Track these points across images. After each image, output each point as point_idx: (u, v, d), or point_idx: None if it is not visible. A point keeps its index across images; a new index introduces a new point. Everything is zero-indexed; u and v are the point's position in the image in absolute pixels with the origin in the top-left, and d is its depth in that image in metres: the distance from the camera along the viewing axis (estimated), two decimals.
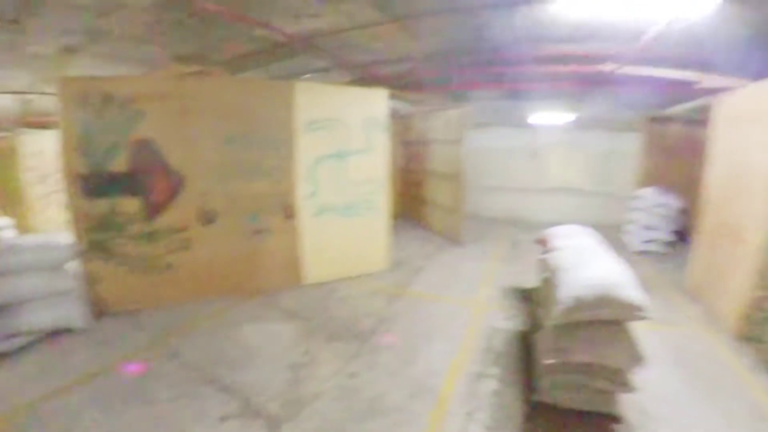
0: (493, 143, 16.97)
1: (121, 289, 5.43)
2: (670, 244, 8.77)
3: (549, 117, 12.61)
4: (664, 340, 4.70)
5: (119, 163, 5.19)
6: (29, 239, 4.99)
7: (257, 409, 3.49)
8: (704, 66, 6.00)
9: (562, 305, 3.20)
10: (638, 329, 3.53)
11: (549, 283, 3.97)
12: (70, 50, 6.60)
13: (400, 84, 8.62)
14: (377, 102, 6.44)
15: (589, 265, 3.49)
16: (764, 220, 4.51)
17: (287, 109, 5.79)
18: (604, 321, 3.20)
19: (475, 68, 7.87)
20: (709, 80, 5.99)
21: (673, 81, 6.61)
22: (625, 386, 3.20)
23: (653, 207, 8.87)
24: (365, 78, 8.64)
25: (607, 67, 6.58)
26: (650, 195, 9.06)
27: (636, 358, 3.11)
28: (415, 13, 5.42)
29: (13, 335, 4.54)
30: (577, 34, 5.81)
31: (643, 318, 3.13)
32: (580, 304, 3.12)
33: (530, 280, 5.90)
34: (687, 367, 4.17)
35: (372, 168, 6.45)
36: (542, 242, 5.03)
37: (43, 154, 9.26)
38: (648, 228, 8.93)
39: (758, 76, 5.16)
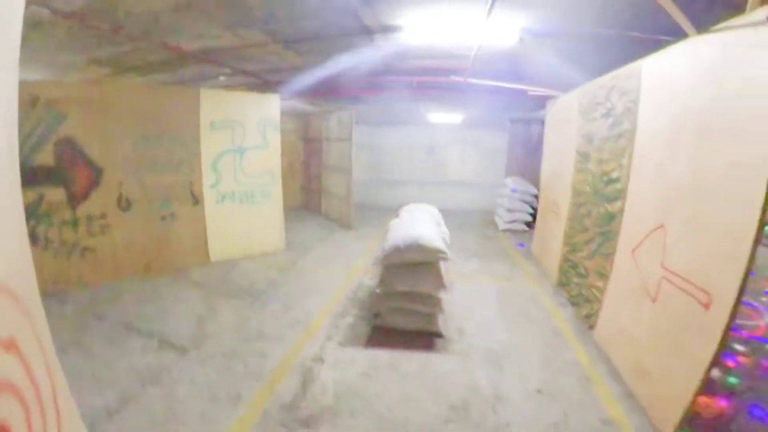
0: (394, 140, 18.63)
1: (44, 272, 5.98)
2: (528, 224, 10.80)
3: (442, 117, 14.34)
4: (499, 290, 6.49)
5: (45, 158, 5.95)
6: None
7: (171, 344, 4.67)
8: (528, 79, 7.80)
9: (385, 251, 4.73)
10: (481, 283, 5.40)
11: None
12: None
13: (292, 91, 9.83)
14: (271, 105, 7.78)
15: (409, 227, 5.05)
16: (567, 199, 6.34)
17: (193, 112, 6.94)
18: (418, 263, 4.74)
19: (354, 79, 9.24)
20: (535, 90, 7.84)
21: (509, 90, 8.40)
22: (438, 308, 4.76)
23: (514, 193, 10.87)
24: (263, 83, 9.76)
25: (456, 78, 8.23)
26: (510, 183, 11.08)
27: (441, 287, 4.69)
28: (297, 39, 6.68)
29: None
30: (427, 54, 7.35)
31: (444, 258, 4.71)
32: (396, 250, 4.66)
33: None
34: (509, 306, 5.89)
35: (266, 162, 7.73)
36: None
37: None
38: (510, 210, 10.94)
39: (566, 88, 7.02)
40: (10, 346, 1.44)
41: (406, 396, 3.83)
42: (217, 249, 7.40)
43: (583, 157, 5.84)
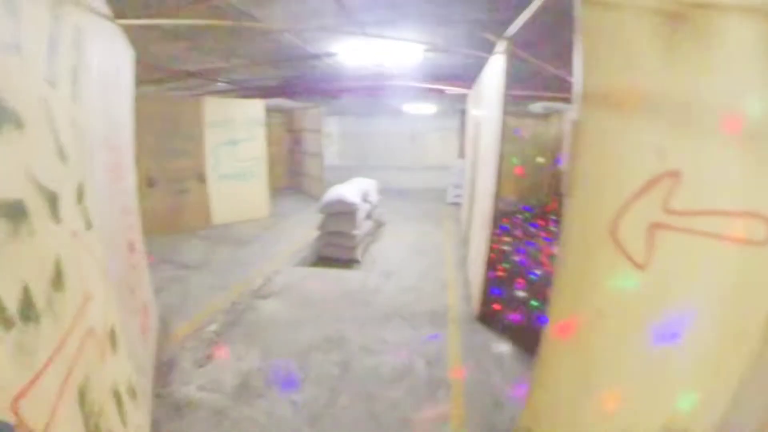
0: (377, 130, 21.28)
1: None
2: None
3: (417, 108, 16.46)
4: (418, 239, 9.08)
5: None
6: None
7: (184, 265, 7.34)
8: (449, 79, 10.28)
9: (319, 203, 7.39)
10: (408, 238, 8.32)
11: None
12: None
13: (275, 93, 12.42)
14: (256, 108, 10.38)
15: (339, 189, 7.67)
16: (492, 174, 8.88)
17: (198, 114, 9.52)
18: (343, 212, 7.35)
19: (312, 87, 11.81)
20: (450, 89, 10.38)
21: (434, 88, 10.92)
22: (356, 242, 7.38)
23: (460, 172, 13.34)
24: (250, 89, 12.36)
25: (394, 82, 10.76)
26: (458, 164, 13.55)
27: (355, 227, 7.30)
28: (270, 60, 9.22)
29: None
30: (365, 66, 9.87)
31: (356, 210, 7.32)
32: (326, 203, 7.29)
33: None
34: (420, 249, 8.46)
35: (254, 151, 10.36)
36: None
37: None
38: (456, 186, 13.40)
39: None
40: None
41: (323, 288, 6.46)
42: (218, 215, 10.01)
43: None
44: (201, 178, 9.73)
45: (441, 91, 11.54)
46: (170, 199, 9.45)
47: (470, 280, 6.41)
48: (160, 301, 5.52)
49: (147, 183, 9.12)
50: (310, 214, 11.10)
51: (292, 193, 14.59)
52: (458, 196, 13.28)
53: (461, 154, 15.10)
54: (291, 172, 15.63)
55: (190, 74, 9.45)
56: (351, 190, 7.70)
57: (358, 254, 7.53)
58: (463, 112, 14.80)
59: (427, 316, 5.54)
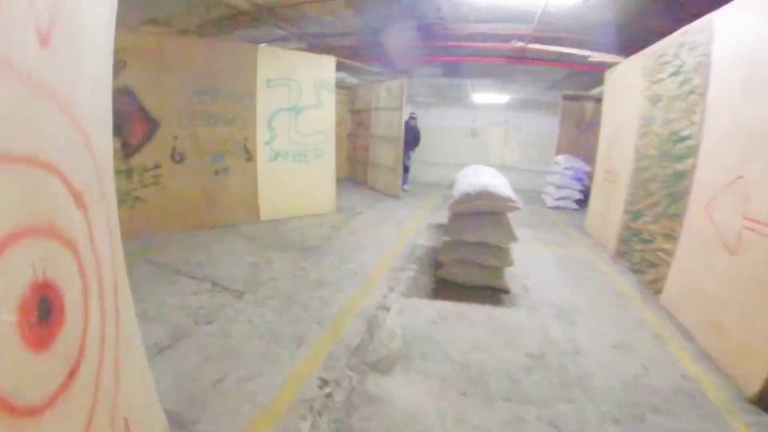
0: (434, 122, 18.30)
1: None
2: (578, 201, 10.31)
3: (486, 97, 13.88)
4: (555, 254, 6.15)
5: None
6: None
7: (224, 287, 4.52)
8: (588, 46, 7.33)
9: (454, 198, 4.44)
10: (536, 249, 5.25)
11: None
12: None
13: (347, 54, 9.58)
14: (326, 67, 7.59)
15: (479, 177, 4.75)
16: (628, 166, 5.95)
17: (250, 68, 6.77)
18: (487, 213, 4.43)
19: (411, 43, 8.92)
20: (596, 56, 7.35)
21: (569, 57, 7.93)
22: (507, 260, 4.45)
23: (564, 170, 10.37)
24: (318, 47, 9.55)
25: (517, 44, 7.81)
26: (562, 160, 10.59)
27: (512, 237, 4.38)
28: None
29: None
30: (489, 16, 6.97)
31: (515, 208, 4.40)
32: (467, 197, 4.36)
33: None
34: (568, 269, 5.55)
35: (321, 122, 7.53)
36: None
37: None
38: (559, 187, 10.46)
39: (627, 53, 6.58)
40: (80, 205, 1.33)
41: (478, 343, 3.57)
42: (268, 207, 7.23)
43: (648, 120, 5.58)
44: (248, 155, 6.93)
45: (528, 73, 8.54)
46: (203, 181, 6.71)
47: (700, 324, 3.76)
48: (170, 378, 2.87)
49: (172, 157, 6.41)
50: (386, 212, 8.25)
51: (352, 186, 11.69)
52: (563, 198, 10.38)
53: (560, 149, 12.13)
54: (350, 160, 12.83)
55: (242, 14, 6.73)
56: (496, 178, 4.79)
57: (504, 280, 4.60)
58: (572, 99, 11.83)
59: (678, 399, 2.98)
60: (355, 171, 12.57)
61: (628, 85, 6.35)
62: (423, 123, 15.94)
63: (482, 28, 7.58)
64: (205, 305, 4.09)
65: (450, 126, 17.72)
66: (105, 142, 1.69)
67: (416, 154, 14.27)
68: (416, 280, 4.80)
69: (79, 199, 1.30)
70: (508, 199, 4.36)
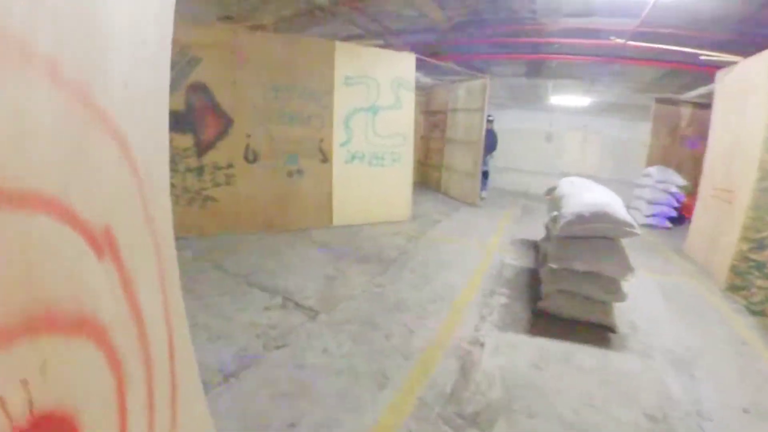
0: (507, 125, 17.30)
1: None
2: (672, 219, 9.20)
3: (565, 99, 12.90)
4: (659, 283, 5.29)
5: (176, 103, 5.72)
6: None
7: (297, 303, 4.11)
8: (696, 43, 6.39)
9: (565, 219, 3.78)
10: (639, 277, 4.32)
11: (555, 217, 4.54)
12: None
13: (426, 52, 9.04)
14: (406, 64, 7.09)
15: (588, 192, 4.06)
16: (750, 184, 5.02)
17: (327, 65, 6.43)
18: (600, 237, 3.75)
19: (496, 39, 8.24)
20: (709, 55, 6.39)
21: (675, 56, 6.99)
22: (619, 295, 3.75)
23: (657, 183, 9.27)
24: (395, 45, 9.08)
25: (615, 41, 6.96)
26: (655, 172, 9.46)
27: (628, 269, 3.67)
28: None
29: None
30: (587, 10, 6.21)
31: (633, 234, 3.69)
32: (580, 219, 3.70)
33: (539, 235, 6.45)
34: (676, 302, 4.73)
35: (399, 123, 7.05)
36: (550, 190, 5.59)
37: None
38: (652, 203, 9.35)
39: (748, 52, 5.63)
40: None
41: (590, 396, 2.93)
42: (341, 211, 6.84)
43: None
44: (324, 156, 6.58)
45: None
46: (276, 182, 6.43)
47: None
48: (234, 418, 2.50)
49: (246, 156, 6.14)
50: (464, 222, 7.63)
51: (424, 191, 11.08)
52: (655, 216, 9.23)
53: (651, 160, 10.94)
54: (422, 164, 12.28)
55: (317, 7, 6.36)
56: (610, 196, 4.09)
57: (614, 317, 3.89)
58: (667, 103, 10.65)
59: None
60: (427, 176, 11.99)
61: (751, 89, 5.39)
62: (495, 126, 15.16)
63: (576, 23, 6.82)
64: (276, 324, 3.69)
65: (524, 129, 16.69)
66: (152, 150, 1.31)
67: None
68: (510, 309, 4.17)
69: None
70: (628, 224, 3.66)
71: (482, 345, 3.47)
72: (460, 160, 9.88)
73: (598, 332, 3.81)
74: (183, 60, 5.69)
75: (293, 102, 6.33)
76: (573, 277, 3.82)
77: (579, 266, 3.72)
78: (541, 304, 4.03)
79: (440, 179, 11.05)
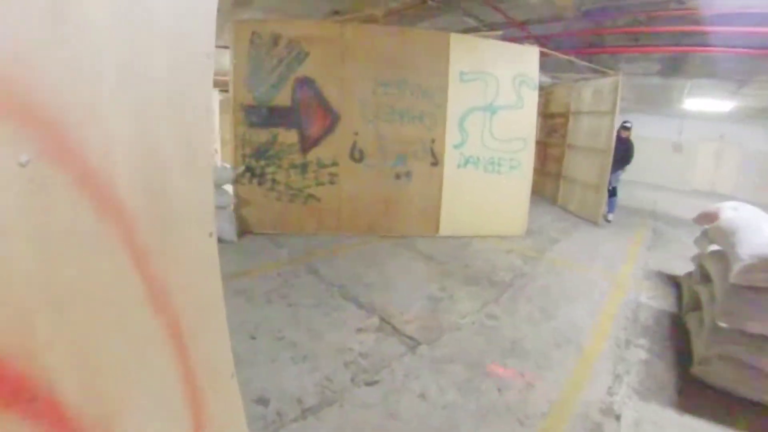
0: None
1: (265, 213, 5.97)
2: None
3: (702, 104, 11.22)
4: None
5: (282, 98, 5.67)
6: None
7: (395, 327, 3.62)
8: None
9: (744, 262, 2.89)
10: None
11: (718, 254, 3.62)
12: (241, 4, 7.16)
13: (548, 46, 8.10)
14: (529, 59, 6.25)
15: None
16: None
17: (441, 59, 5.84)
18: None
19: (630, 29, 7.11)
20: None
21: None
22: None
23: None
24: (514, 39, 8.27)
25: None
26: None
27: None
28: None
29: None
30: None
31: None
32: (765, 264, 2.79)
33: (678, 268, 5.43)
34: None
35: (520, 125, 6.27)
36: (706, 217, 4.57)
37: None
38: None
39: None
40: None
41: None
42: (449, 221, 6.23)
43: None
44: (435, 159, 6.03)
45: None
46: (382, 184, 6.02)
47: None
48: None
49: (352, 155, 5.82)
50: (588, 244, 6.68)
51: (538, 202, 10.00)
52: None
53: None
54: (536, 172, 11.22)
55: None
56: None
57: None
58: None
59: None
60: (542, 185, 10.94)
61: None
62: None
63: (734, 6, 5.61)
64: (369, 352, 3.23)
65: (648, 138, 14.80)
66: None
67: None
68: (651, 368, 3.33)
69: None
70: None
71: (618, 417, 2.72)
72: (583, 170, 8.79)
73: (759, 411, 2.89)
74: (290, 54, 5.55)
75: (404, 99, 5.86)
76: (746, 342, 2.92)
77: (756, 328, 2.83)
78: (696, 371, 3.16)
79: (557, 190, 9.97)
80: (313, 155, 5.84)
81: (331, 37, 5.61)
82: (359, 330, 3.56)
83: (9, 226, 0.69)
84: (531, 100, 6.31)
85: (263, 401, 2.63)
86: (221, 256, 3.92)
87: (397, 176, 6.00)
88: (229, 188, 5.98)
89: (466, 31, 7.77)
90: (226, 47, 5.71)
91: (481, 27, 7.83)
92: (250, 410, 2.52)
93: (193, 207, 1.13)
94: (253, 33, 5.50)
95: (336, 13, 7.24)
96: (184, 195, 1.08)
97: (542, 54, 6.40)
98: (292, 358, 3.12)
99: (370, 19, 6.89)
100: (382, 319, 3.74)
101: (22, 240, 0.71)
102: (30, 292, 0.73)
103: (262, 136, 5.76)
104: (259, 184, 5.92)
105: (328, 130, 5.80)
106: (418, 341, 3.41)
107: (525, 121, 6.32)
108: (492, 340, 3.49)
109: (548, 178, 10.61)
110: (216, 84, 11.53)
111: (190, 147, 1.10)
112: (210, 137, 1.14)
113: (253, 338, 3.41)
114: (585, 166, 8.69)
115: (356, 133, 5.82)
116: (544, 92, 11.07)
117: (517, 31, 7.59)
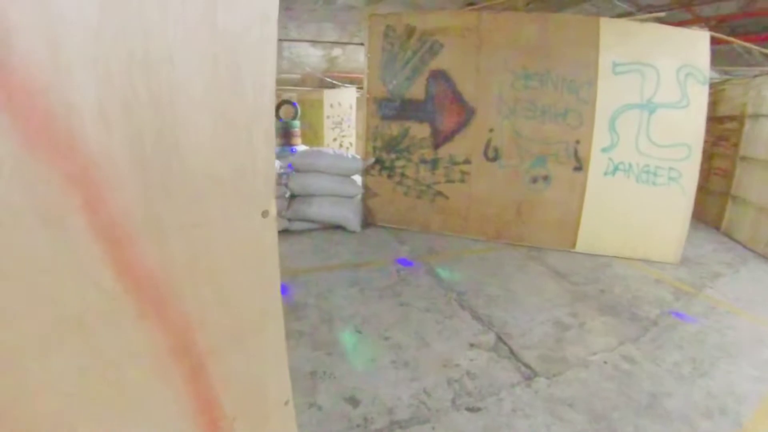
0: None
1: (391, 206, 5.95)
2: None
3: None
4: None
5: (416, 92, 5.59)
6: (330, 150, 6.00)
7: (511, 350, 3.24)
8: None
9: None
10: None
11: None
12: (375, 0, 7.12)
13: (721, 31, 6.78)
14: (697, 47, 5.14)
15: None
16: None
17: (590, 48, 5.14)
18: None
19: None
20: None
21: None
22: None
23: None
24: (678, 23, 7.09)
25: None
26: None
27: None
28: None
29: (301, 219, 5.66)
30: None
31: None
32: None
33: None
34: None
35: (684, 128, 5.24)
36: None
37: (340, 106, 12.57)
38: None
39: None
40: None
41: None
42: (588, 236, 5.50)
43: None
44: (578, 163, 5.37)
45: None
46: (517, 187, 5.56)
47: None
48: None
49: (486, 153, 5.50)
50: (759, 284, 5.43)
51: (695, 225, 8.38)
52: None
53: None
54: (698, 188, 9.69)
55: None
56: None
57: None
58: None
59: None
60: (702, 205, 9.32)
61: None
62: None
63: None
64: (478, 373, 2.91)
65: None
66: None
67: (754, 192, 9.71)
68: None
69: None
70: None
71: None
72: (761, 190, 7.29)
73: None
74: (424, 47, 5.43)
75: (546, 93, 5.31)
76: None
77: None
78: None
79: (722, 213, 8.42)
80: (444, 151, 5.64)
81: (467, 27, 5.33)
82: (471, 345, 3.26)
83: None
84: (699, 97, 5.23)
85: (353, 401, 2.54)
86: (342, 245, 3.91)
87: (534, 180, 5.47)
88: (357, 179, 6.03)
89: (619, 17, 6.89)
90: (362, 44, 5.81)
91: (636, 12, 6.88)
92: (338, 407, 2.51)
93: (229, 171, 0.88)
94: (387, 26, 5.49)
95: (470, 3, 6.92)
96: (212, 150, 0.84)
97: (713, 41, 5.32)
98: (393, 362, 2.97)
99: (510, 7, 6.46)
100: (499, 338, 3.38)
101: None
102: None
103: (394, 129, 5.75)
104: (388, 177, 5.92)
105: (462, 125, 5.53)
106: (535, 372, 2.98)
107: (691, 123, 5.26)
108: (625, 389, 2.90)
109: (711, 196, 9.02)
110: (354, 81, 12.06)
111: (231, 70, 0.84)
112: (273, 63, 0.89)
113: (359, 332, 3.35)
114: (764, 185, 7.21)
115: (491, 130, 5.43)
116: (712, 90, 9.36)
117: (681, 13, 6.50)
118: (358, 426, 2.36)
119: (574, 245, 5.53)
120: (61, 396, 0.72)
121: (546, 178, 5.43)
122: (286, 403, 1.12)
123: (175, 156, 0.78)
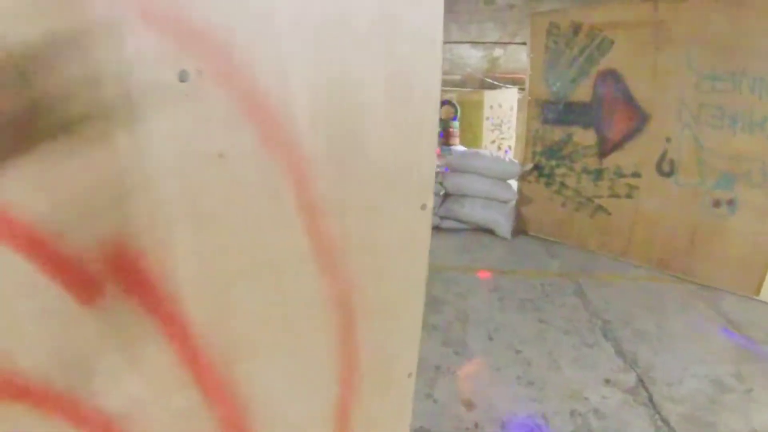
0: None
1: (546, 216, 5.69)
2: None
3: None
4: None
5: (582, 94, 5.20)
6: (487, 152, 6.06)
7: (651, 398, 2.85)
8: None
9: None
10: None
11: None
12: None
13: None
14: None
15: None
16: None
17: None
18: None
19: None
20: None
21: None
22: None
23: None
24: None
25: None
26: None
27: None
28: None
29: (452, 219, 5.75)
30: None
31: None
32: None
33: None
34: None
35: None
36: None
37: (500, 107, 12.15)
38: None
39: None
40: None
41: None
42: None
43: None
44: None
45: None
46: (694, 210, 4.70)
47: None
48: None
49: (659, 167, 4.89)
50: None
51: None
52: None
53: None
54: None
55: None
56: None
57: None
58: None
59: None
60: None
61: None
62: None
63: None
64: (605, 413, 2.65)
65: None
66: None
67: None
68: None
69: None
70: None
71: None
72: None
73: None
74: (591, 44, 4.99)
75: (739, 97, 4.29)
76: None
77: None
78: None
79: None
80: (611, 161, 5.12)
81: (642, 21, 4.68)
82: (607, 381, 2.96)
83: (157, 142, 0.77)
84: None
85: (469, 404, 2.59)
86: (489, 249, 3.97)
87: (716, 203, 4.55)
88: (513, 184, 5.95)
89: None
90: (524, 43, 5.61)
91: None
92: (452, 405, 2.57)
93: (399, 167, 1.07)
94: (551, 24, 5.20)
95: None
96: (387, 150, 1.04)
97: None
98: (518, 377, 2.91)
99: None
100: (641, 381, 2.99)
101: (168, 158, 0.79)
102: (171, 210, 0.82)
103: (556, 134, 5.45)
104: (546, 185, 5.64)
105: (633, 132, 4.94)
106: (674, 431, 2.61)
107: None
108: None
109: None
110: (516, 82, 11.75)
111: (404, 88, 1.03)
112: (438, 78, 1.06)
113: (490, 339, 3.36)
114: None
115: (668, 140, 4.71)
116: None
117: None
118: (467, 429, 2.38)
119: (758, 291, 4.44)
120: (251, 321, 0.98)
121: (732, 202, 4.48)
122: (410, 375, 1.27)
123: (360, 154, 1.00)
